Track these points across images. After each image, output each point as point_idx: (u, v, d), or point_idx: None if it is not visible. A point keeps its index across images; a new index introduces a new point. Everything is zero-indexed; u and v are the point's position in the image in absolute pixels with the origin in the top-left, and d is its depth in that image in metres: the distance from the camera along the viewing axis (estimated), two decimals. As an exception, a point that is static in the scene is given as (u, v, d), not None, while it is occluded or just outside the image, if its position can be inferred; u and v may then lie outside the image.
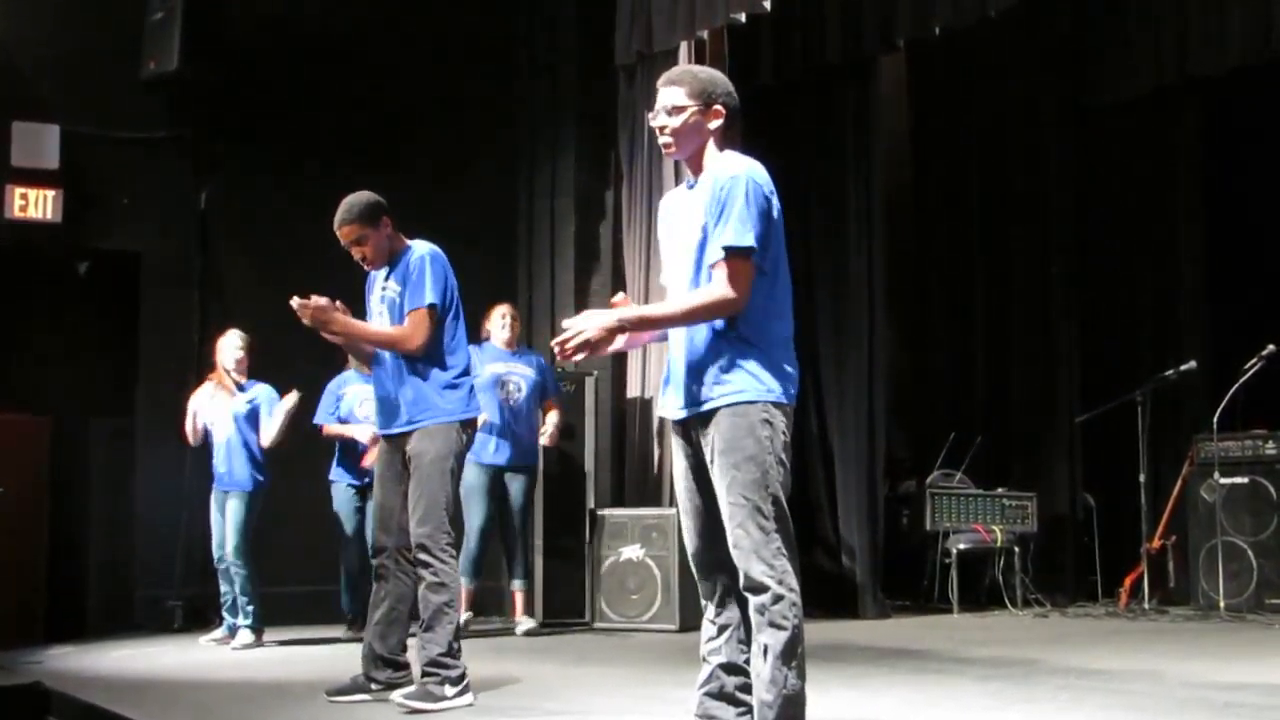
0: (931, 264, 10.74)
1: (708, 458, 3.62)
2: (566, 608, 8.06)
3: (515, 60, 9.79)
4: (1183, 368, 8.67)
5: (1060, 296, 9.96)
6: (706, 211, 3.63)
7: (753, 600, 3.53)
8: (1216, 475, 8.41)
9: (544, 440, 7.88)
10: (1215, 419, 8.31)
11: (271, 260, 8.85)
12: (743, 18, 8.11)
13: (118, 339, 8.51)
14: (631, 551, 7.91)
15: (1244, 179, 9.62)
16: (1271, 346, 8.20)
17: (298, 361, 7.70)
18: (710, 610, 3.71)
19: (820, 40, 8.86)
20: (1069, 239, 10.05)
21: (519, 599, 7.85)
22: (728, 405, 3.59)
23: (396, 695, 4.84)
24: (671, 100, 3.72)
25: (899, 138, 10.59)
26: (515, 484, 7.76)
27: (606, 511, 8.24)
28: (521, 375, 7.74)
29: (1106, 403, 9.10)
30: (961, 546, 8.76)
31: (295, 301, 5.01)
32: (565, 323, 3.63)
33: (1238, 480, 8.42)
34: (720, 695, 3.64)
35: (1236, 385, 8.25)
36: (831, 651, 6.28)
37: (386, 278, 5.18)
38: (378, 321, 5.19)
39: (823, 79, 9.02)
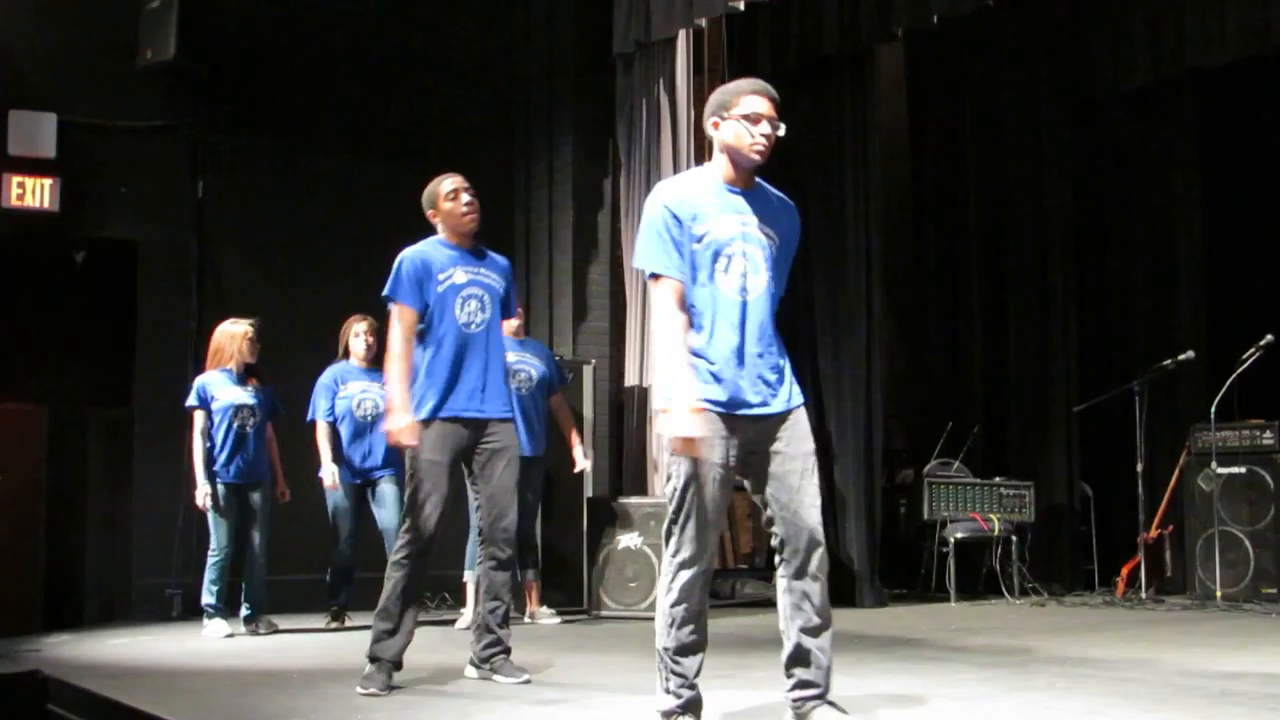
0: (929, 254, 10.74)
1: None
2: (564, 596, 8.06)
3: (513, 48, 9.78)
4: (1180, 357, 8.68)
5: (1058, 286, 9.95)
6: (784, 232, 3.98)
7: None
8: (1214, 465, 8.42)
9: (580, 468, 7.79)
10: (1213, 409, 8.31)
11: (268, 249, 8.87)
12: (741, 5, 8.08)
13: (115, 328, 8.50)
14: (629, 540, 7.92)
15: (1242, 170, 9.62)
16: (1269, 336, 8.20)
17: (293, 349, 7.71)
18: None
19: (818, 29, 8.84)
20: (1066, 229, 10.05)
21: (535, 590, 7.74)
22: None
23: (519, 677, 5.08)
24: (776, 112, 3.89)
25: (897, 128, 10.59)
26: (530, 475, 7.66)
27: (604, 499, 8.24)
28: (531, 365, 7.54)
29: (1104, 392, 9.11)
30: (959, 535, 8.78)
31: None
32: None
33: (1235, 470, 8.43)
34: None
35: (1234, 375, 8.26)
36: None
37: (475, 264, 5.25)
38: (469, 307, 5.16)
39: (821, 69, 9.00)
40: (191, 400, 7.28)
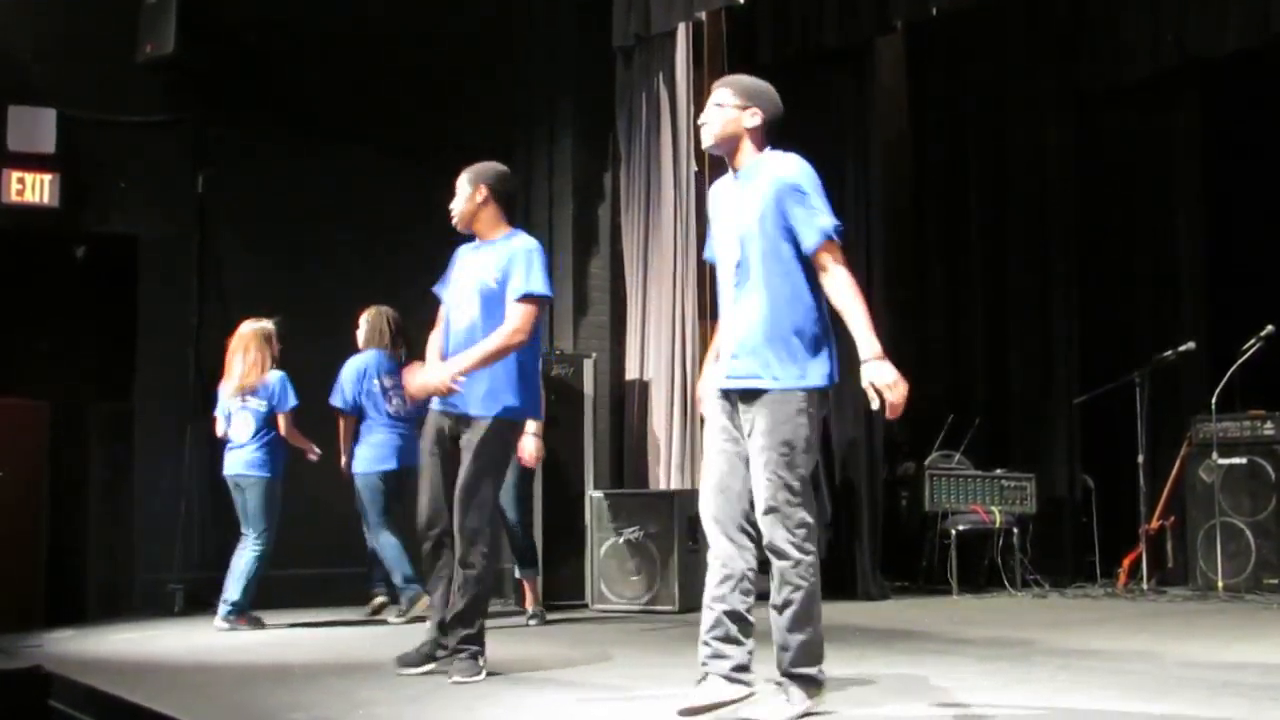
0: (930, 246, 10.74)
1: (746, 431, 3.99)
2: (565, 590, 8.06)
3: (513, 42, 9.76)
4: (1181, 349, 8.68)
5: (1059, 278, 9.96)
6: (762, 196, 4.06)
7: (776, 563, 3.97)
8: (1215, 456, 8.42)
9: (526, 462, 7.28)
10: (1214, 400, 8.32)
11: (269, 243, 8.85)
12: (741, -2, 8.09)
13: (115, 323, 8.50)
14: (630, 533, 7.92)
15: (1243, 161, 9.60)
16: (1270, 327, 8.21)
17: (294, 343, 7.71)
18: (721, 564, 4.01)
19: (818, 22, 8.83)
20: (1068, 221, 10.05)
21: (533, 587, 7.53)
22: (776, 390, 3.97)
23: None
24: (717, 99, 4.14)
25: (898, 121, 10.57)
26: (522, 472, 7.44)
27: (605, 493, 8.24)
28: None
29: (1105, 384, 9.11)
30: (960, 528, 8.78)
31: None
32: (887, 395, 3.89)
33: (1236, 461, 8.43)
34: (727, 639, 3.97)
35: (1235, 366, 8.27)
36: (830, 632, 6.22)
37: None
38: (462, 307, 5.16)
39: (821, 62, 8.98)
40: (292, 400, 7.35)
